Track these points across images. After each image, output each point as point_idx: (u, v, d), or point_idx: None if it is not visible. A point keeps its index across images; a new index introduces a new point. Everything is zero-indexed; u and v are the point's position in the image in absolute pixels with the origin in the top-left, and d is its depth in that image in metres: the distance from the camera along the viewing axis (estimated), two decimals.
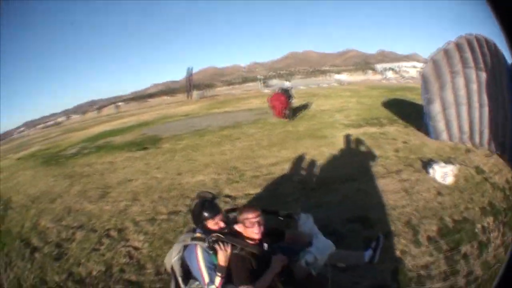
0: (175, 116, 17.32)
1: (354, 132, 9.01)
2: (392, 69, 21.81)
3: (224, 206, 4.61)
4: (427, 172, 5.87)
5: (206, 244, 2.80)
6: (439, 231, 4.25)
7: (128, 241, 5.10)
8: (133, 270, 4.27)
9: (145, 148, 10.84)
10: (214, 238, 2.73)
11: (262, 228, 2.74)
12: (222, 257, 2.68)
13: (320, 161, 7.12)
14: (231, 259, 2.68)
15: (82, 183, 8.36)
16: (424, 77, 7.98)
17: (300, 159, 7.29)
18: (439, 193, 5.27)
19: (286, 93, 12.25)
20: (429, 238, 4.17)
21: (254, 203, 5.24)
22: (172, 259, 3.03)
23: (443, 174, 5.54)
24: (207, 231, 2.95)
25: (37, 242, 5.51)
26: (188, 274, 2.96)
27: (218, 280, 2.67)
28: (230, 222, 3.07)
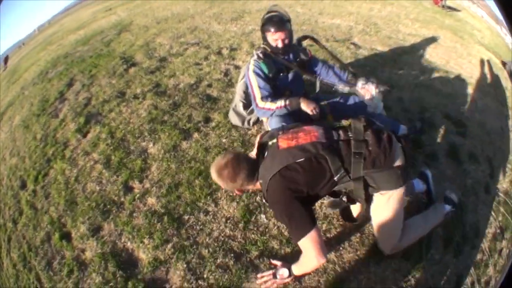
0: None
1: (484, 52, 7.65)
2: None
3: (345, 51, 5.32)
4: None
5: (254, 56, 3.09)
6: None
7: (234, 59, 5.11)
8: (219, 87, 4.37)
9: None
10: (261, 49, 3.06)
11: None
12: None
13: (451, 53, 6.58)
14: None
15: (221, 7, 8.71)
16: None
17: (433, 42, 6.88)
18: None
19: None
20: None
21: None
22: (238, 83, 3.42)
23: None
24: (266, 47, 3.14)
25: (139, 58, 5.86)
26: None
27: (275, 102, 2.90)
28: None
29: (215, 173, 2.10)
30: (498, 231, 2.88)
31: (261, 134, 2.33)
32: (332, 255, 2.32)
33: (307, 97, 2.95)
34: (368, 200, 2.06)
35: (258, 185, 2.12)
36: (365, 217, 2.30)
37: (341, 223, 2.53)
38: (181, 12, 8.83)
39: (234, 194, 2.45)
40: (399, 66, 5.22)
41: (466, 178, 3.24)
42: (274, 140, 2.11)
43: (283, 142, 2.06)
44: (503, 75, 6.15)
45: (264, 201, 2.24)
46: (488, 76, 6.19)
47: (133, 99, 4.44)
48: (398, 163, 1.98)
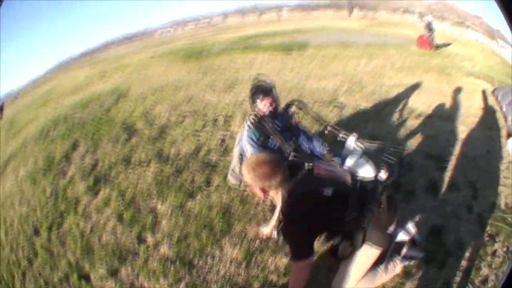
0: (331, 29, 18.37)
1: (473, 81, 9.01)
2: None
3: (332, 111, 6.03)
4: None
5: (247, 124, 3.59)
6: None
7: (229, 128, 5.74)
8: (217, 153, 4.94)
9: (289, 51, 11.83)
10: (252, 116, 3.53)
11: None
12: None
13: (435, 95, 7.32)
14: None
15: (214, 76, 9.50)
16: None
17: (418, 88, 7.66)
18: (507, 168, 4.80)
19: (427, 26, 13.60)
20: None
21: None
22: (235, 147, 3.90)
23: None
24: (257, 113, 3.66)
25: (141, 126, 6.47)
26: None
27: None
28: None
29: (249, 167, 2.27)
30: (487, 238, 3.33)
31: (295, 155, 2.80)
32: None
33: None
34: (358, 245, 2.37)
35: (280, 195, 2.30)
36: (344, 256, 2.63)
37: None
38: (176, 81, 9.47)
39: (257, 192, 2.48)
40: (381, 118, 5.84)
41: (445, 206, 3.68)
42: (311, 164, 2.36)
43: (319, 170, 2.34)
44: (492, 100, 6.97)
45: (279, 213, 2.38)
46: (476, 105, 6.95)
47: (139, 165, 4.97)
48: (391, 227, 2.33)
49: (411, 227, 2.59)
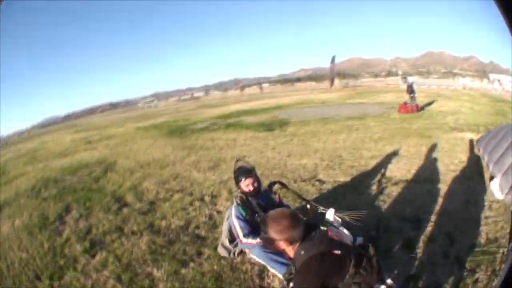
0: (311, 103, 20.16)
1: (455, 136, 10.00)
2: (499, 80, 25.46)
3: (311, 189, 6.42)
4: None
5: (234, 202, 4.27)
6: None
7: (216, 205, 6.23)
8: (206, 228, 5.39)
9: (270, 130, 12.68)
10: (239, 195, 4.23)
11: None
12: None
13: (414, 159, 7.98)
14: None
15: (198, 155, 10.15)
16: None
17: (396, 156, 8.32)
18: (489, 207, 5.37)
19: (409, 88, 15.09)
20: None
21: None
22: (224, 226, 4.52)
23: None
24: (242, 192, 4.30)
25: (130, 200, 6.99)
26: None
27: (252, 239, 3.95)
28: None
29: (272, 219, 2.68)
30: (467, 273, 3.77)
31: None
32: None
33: None
34: None
35: (292, 251, 2.66)
36: None
37: None
38: (162, 158, 10.14)
39: (269, 246, 2.85)
40: (360, 191, 6.27)
41: (421, 257, 4.11)
42: (325, 228, 2.73)
43: (332, 233, 2.71)
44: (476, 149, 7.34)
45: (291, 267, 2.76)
46: (457, 160, 7.51)
47: (132, 235, 5.43)
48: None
49: (388, 279, 2.78)
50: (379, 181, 6.69)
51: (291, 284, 2.70)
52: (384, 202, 5.76)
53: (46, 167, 11.06)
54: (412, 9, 44.03)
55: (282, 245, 2.68)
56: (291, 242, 2.65)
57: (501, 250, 4.20)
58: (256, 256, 3.88)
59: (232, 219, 4.18)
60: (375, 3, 39.88)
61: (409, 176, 6.90)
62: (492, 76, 27.20)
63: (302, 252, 2.58)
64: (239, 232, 4.07)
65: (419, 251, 4.31)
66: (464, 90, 24.65)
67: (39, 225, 6.22)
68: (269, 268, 3.74)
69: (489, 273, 3.81)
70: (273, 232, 2.65)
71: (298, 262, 2.59)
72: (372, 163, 7.90)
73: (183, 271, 4.33)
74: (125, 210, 6.48)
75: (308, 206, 4.30)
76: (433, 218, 5.12)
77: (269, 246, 2.82)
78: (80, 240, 5.47)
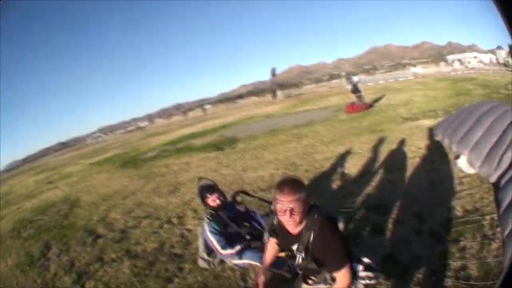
0: (256, 117, 20.57)
1: (409, 126, 10.61)
2: (459, 60, 25.99)
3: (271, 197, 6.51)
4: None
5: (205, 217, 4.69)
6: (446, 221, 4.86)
7: (184, 225, 6.73)
8: (181, 246, 5.82)
9: (220, 149, 13.16)
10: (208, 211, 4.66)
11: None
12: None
13: (368, 154, 8.55)
14: None
15: (156, 182, 10.53)
16: None
17: (350, 154, 8.85)
18: (460, 182, 5.88)
19: (354, 88, 15.35)
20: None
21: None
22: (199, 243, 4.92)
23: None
24: (210, 208, 4.69)
25: (102, 231, 7.40)
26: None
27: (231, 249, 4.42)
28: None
29: (286, 180, 2.60)
30: (451, 243, 4.05)
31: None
32: None
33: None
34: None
35: (298, 229, 2.60)
36: None
37: None
38: (121, 189, 10.52)
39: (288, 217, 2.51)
40: (318, 193, 6.59)
41: (392, 238, 4.48)
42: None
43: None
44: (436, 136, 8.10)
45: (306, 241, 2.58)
46: (414, 147, 8.16)
47: (113, 262, 5.84)
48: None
49: (364, 258, 2.97)
50: (338, 180, 7.22)
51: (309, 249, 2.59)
52: (346, 198, 6.19)
53: (19, 209, 11.25)
54: (349, 5, 45.35)
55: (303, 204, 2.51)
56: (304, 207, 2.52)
57: (487, 217, 4.55)
58: (248, 259, 4.36)
59: (206, 234, 4.55)
60: (307, 4, 40.56)
61: (366, 170, 7.47)
62: (450, 57, 27.80)
63: (316, 216, 2.58)
64: (216, 246, 4.46)
65: (389, 233, 4.74)
66: (416, 79, 25.30)
67: (27, 263, 6.56)
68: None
69: (478, 239, 4.14)
70: (297, 189, 2.50)
71: (313, 224, 2.55)
72: (327, 164, 8.41)
73: (170, 286, 4.73)
74: (99, 241, 6.83)
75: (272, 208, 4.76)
76: (398, 203, 5.53)
77: (298, 206, 2.47)
78: (67, 273, 5.84)
